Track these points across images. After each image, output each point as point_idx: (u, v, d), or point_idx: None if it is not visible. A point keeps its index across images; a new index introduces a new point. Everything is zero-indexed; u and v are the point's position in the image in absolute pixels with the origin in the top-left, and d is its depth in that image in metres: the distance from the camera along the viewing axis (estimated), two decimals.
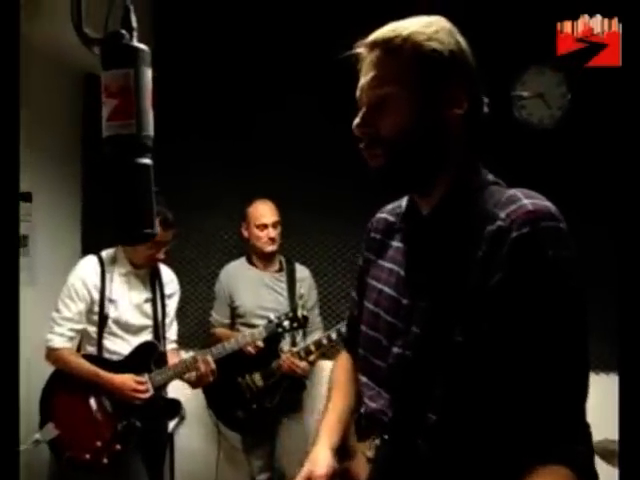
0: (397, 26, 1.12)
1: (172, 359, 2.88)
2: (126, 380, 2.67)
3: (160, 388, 2.79)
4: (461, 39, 1.13)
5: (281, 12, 3.50)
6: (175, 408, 2.90)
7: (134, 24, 0.95)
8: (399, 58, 1.09)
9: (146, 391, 2.70)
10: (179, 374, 2.81)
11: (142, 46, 0.92)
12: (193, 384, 2.88)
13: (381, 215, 1.37)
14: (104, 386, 2.67)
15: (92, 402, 2.70)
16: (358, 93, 1.16)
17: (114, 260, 2.80)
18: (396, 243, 1.27)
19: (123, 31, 0.92)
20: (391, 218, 1.33)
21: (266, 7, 3.52)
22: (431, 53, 1.08)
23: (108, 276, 2.76)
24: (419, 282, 1.15)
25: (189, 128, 3.51)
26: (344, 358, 1.49)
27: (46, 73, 3.19)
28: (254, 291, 3.23)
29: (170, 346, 2.96)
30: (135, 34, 0.95)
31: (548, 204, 1.04)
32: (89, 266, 2.77)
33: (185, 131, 3.45)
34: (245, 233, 3.31)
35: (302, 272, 3.36)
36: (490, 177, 1.17)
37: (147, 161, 0.90)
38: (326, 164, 3.45)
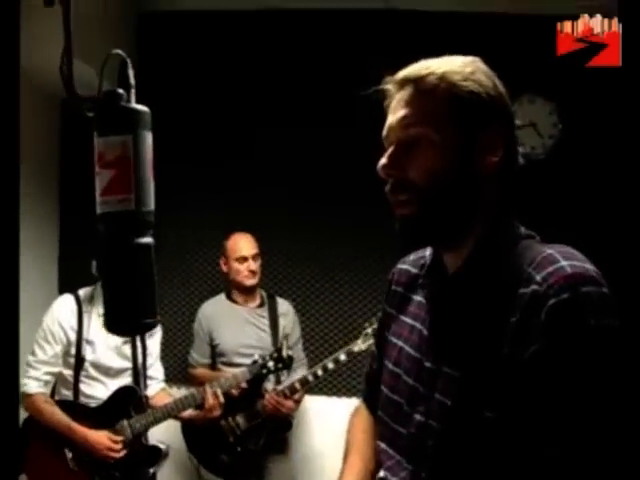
0: (430, 64, 1.04)
1: (163, 400, 2.74)
2: (100, 438, 2.52)
3: (140, 435, 2.64)
4: (498, 82, 1.05)
5: (268, 52, 3.47)
6: (156, 455, 2.74)
7: (132, 80, 0.84)
8: (433, 98, 1.01)
9: (120, 450, 2.55)
10: (172, 414, 2.68)
11: (141, 107, 0.81)
12: (198, 419, 2.77)
13: (403, 266, 1.28)
14: (77, 441, 2.51)
15: (67, 452, 2.53)
16: (385, 132, 1.07)
17: (92, 299, 2.65)
18: (418, 298, 1.18)
19: (120, 90, 0.81)
20: (413, 270, 1.23)
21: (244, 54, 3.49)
22: (468, 94, 1.00)
23: (85, 316, 2.61)
24: (444, 345, 1.05)
25: (169, 161, 3.39)
26: (362, 416, 1.36)
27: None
28: (235, 328, 3.10)
29: (159, 386, 2.84)
30: (133, 92, 0.83)
31: (589, 266, 0.93)
32: (65, 306, 2.63)
33: (164, 165, 3.32)
34: (224, 267, 3.18)
35: (284, 306, 3.24)
36: (522, 230, 1.07)
37: (148, 240, 0.78)
38: (310, 195, 3.39)
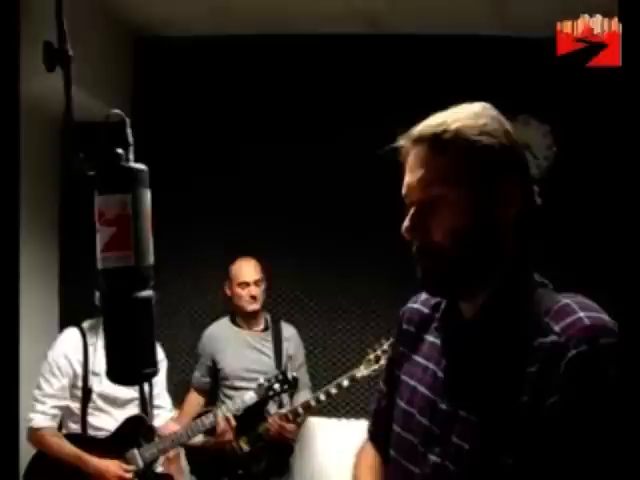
0: (444, 119, 1.05)
1: (173, 428, 2.78)
2: (111, 467, 2.54)
3: (151, 464, 2.66)
4: (508, 126, 1.07)
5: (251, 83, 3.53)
6: None
7: (130, 139, 0.87)
8: (449, 156, 1.03)
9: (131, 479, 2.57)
10: (182, 441, 2.72)
11: (140, 166, 0.84)
12: (210, 445, 2.80)
13: (414, 305, 1.29)
14: (88, 471, 2.53)
15: None
16: (404, 190, 1.09)
17: (97, 330, 2.67)
18: (431, 338, 1.19)
19: (119, 150, 0.85)
20: (425, 310, 1.24)
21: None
22: (483, 149, 1.02)
23: (91, 348, 2.65)
24: (460, 389, 1.07)
25: (174, 182, 3.42)
26: (369, 454, 1.35)
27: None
28: (238, 352, 3.14)
29: (167, 415, 2.88)
30: (132, 150, 0.87)
31: (605, 317, 0.95)
32: (71, 339, 2.66)
33: (169, 185, 3.35)
34: (228, 292, 3.25)
35: (288, 330, 3.28)
36: (536, 277, 1.09)
37: (148, 293, 0.81)
38: (314, 219, 3.43)
